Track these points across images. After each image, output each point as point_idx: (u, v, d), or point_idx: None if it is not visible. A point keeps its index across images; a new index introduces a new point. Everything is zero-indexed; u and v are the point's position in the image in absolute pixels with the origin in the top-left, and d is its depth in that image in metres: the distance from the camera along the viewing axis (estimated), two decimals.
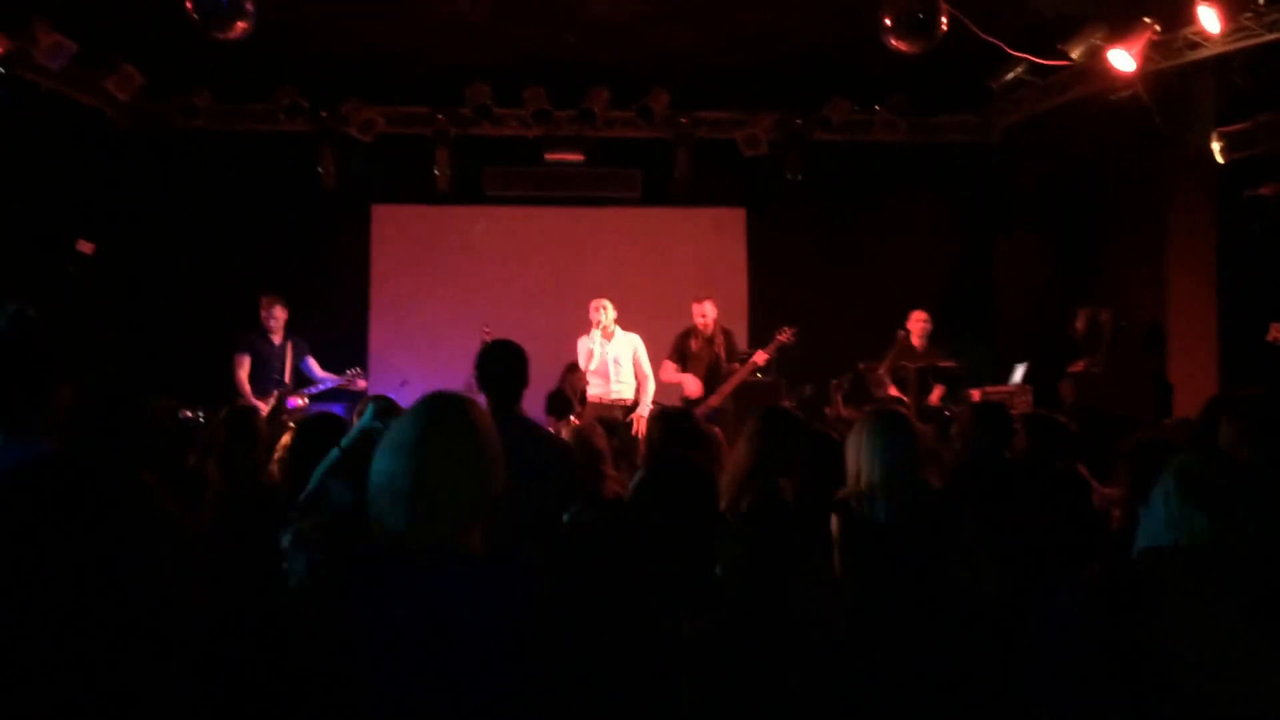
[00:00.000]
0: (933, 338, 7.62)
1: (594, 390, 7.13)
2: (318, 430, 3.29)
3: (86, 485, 2.07)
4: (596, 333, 7.01)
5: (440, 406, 1.96)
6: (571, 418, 7.06)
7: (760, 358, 7.22)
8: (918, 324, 7.58)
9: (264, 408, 6.79)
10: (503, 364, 3.29)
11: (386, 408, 2.94)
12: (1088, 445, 3.77)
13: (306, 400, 7.14)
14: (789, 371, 7.65)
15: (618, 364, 7.04)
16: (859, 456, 2.90)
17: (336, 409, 7.74)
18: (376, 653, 1.83)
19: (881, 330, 7.74)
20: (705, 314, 7.41)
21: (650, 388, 7.11)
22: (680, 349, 7.50)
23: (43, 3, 6.22)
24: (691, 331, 7.50)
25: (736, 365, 7.37)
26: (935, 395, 7.34)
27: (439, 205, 8.73)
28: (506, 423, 2.57)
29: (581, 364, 7.11)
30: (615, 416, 6.82)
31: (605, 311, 7.02)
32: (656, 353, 7.61)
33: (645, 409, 6.86)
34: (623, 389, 7.07)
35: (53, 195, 7.34)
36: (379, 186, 8.71)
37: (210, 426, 3.95)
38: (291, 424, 4.24)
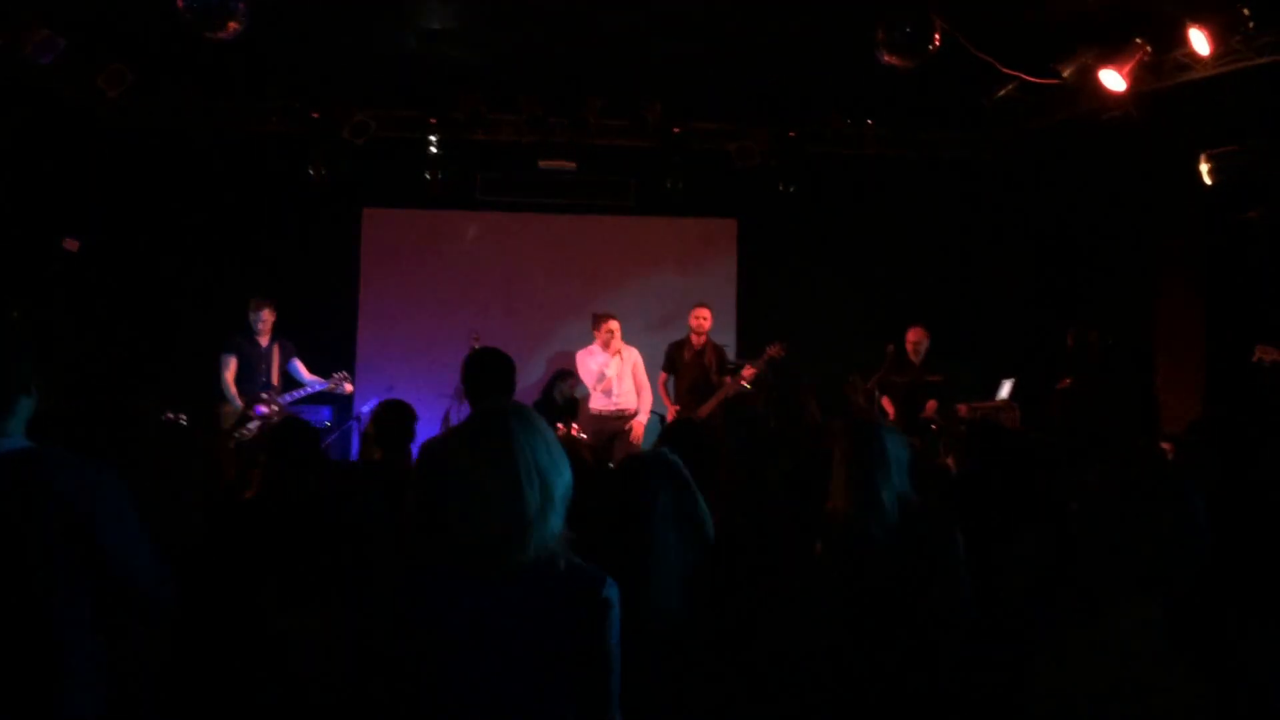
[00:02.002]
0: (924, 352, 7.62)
1: (596, 404, 7.48)
2: (292, 437, 3.27)
3: (43, 481, 2.11)
4: (604, 355, 7.37)
5: (485, 423, 1.94)
6: (559, 425, 7.09)
7: (749, 372, 7.26)
8: (914, 341, 7.58)
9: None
10: (488, 372, 3.30)
11: None
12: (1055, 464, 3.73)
13: (277, 407, 7.04)
14: (778, 384, 7.64)
15: (620, 379, 7.43)
16: (846, 470, 2.77)
17: (325, 413, 7.72)
18: (440, 661, 1.87)
19: (871, 344, 7.74)
20: (704, 316, 7.53)
21: (648, 397, 7.58)
22: (672, 359, 7.66)
23: None
24: (685, 343, 7.67)
25: (725, 379, 7.41)
26: (930, 409, 7.35)
27: (430, 210, 8.70)
28: None
29: (589, 384, 7.47)
30: (614, 427, 7.36)
31: (615, 335, 7.36)
32: (647, 363, 7.70)
33: (644, 416, 7.38)
34: (623, 400, 7.48)
35: (38, 192, 7.29)
36: (370, 189, 8.68)
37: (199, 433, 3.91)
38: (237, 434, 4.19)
